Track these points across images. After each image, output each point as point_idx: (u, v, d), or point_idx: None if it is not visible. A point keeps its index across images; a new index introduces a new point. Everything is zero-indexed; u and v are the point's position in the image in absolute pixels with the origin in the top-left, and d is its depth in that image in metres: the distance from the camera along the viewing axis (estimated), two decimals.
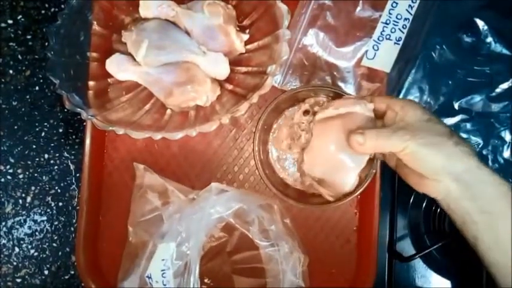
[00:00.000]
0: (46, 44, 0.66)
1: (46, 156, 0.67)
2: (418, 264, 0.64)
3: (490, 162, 0.61)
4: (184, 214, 0.54)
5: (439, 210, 0.65)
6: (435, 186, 0.45)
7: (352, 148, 0.49)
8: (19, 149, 0.67)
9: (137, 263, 0.58)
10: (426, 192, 0.47)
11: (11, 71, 0.68)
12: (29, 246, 0.66)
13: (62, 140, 0.68)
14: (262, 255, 0.59)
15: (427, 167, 0.45)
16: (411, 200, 0.65)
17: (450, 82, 0.62)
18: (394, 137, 0.45)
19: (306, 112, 0.63)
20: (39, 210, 0.66)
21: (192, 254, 0.51)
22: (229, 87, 0.62)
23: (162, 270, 0.51)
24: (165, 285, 0.52)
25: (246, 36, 0.62)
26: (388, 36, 0.62)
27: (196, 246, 0.51)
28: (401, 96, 0.62)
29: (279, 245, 0.58)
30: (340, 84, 0.63)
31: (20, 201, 0.66)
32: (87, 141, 0.62)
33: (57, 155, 0.67)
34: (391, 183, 0.64)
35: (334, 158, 0.54)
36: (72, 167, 0.67)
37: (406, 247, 0.65)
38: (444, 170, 0.44)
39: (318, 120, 0.54)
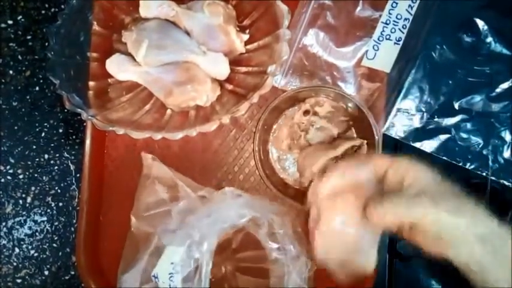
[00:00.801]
0: (46, 44, 0.66)
1: (46, 156, 0.67)
2: (419, 264, 0.64)
3: (490, 162, 0.60)
4: (197, 216, 0.53)
5: None
6: (459, 250, 0.42)
7: (372, 221, 0.45)
8: (19, 149, 0.67)
9: (140, 256, 0.57)
10: (447, 256, 0.43)
11: (11, 72, 0.68)
12: (29, 247, 0.66)
13: (62, 140, 0.68)
14: (268, 256, 0.58)
15: (452, 233, 0.42)
16: None
17: (450, 82, 0.61)
18: (414, 206, 0.43)
19: (306, 112, 0.63)
20: (40, 211, 0.66)
21: (203, 260, 0.49)
22: (230, 87, 0.62)
23: (170, 274, 0.50)
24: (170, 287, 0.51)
25: (246, 36, 0.62)
26: (388, 36, 0.62)
27: (209, 252, 0.49)
28: (401, 95, 0.62)
29: (285, 248, 0.56)
30: (341, 84, 0.63)
31: (20, 201, 0.66)
32: (87, 142, 0.62)
33: (57, 155, 0.67)
34: None
35: (350, 237, 0.48)
36: (72, 167, 0.67)
37: (408, 245, 0.65)
38: (469, 233, 0.41)
39: (325, 197, 0.48)
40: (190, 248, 0.50)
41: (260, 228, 0.57)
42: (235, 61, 0.62)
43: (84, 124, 0.63)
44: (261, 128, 0.61)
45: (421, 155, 0.62)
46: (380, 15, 0.62)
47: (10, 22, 0.69)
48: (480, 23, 0.62)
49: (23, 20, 0.69)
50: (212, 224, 0.51)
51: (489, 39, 0.61)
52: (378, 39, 0.62)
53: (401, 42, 0.62)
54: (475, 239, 0.41)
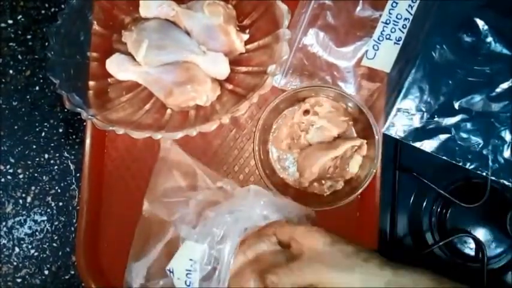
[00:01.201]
0: (46, 44, 0.66)
1: (46, 156, 0.67)
2: (419, 264, 0.64)
3: (490, 162, 0.60)
4: (218, 212, 0.51)
5: (439, 209, 0.65)
6: None
7: None
8: (19, 149, 0.67)
9: (152, 244, 0.55)
10: None
11: (11, 71, 0.68)
12: (29, 246, 0.66)
13: (62, 140, 0.68)
14: None
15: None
16: (411, 200, 0.65)
17: (450, 82, 0.61)
18: (307, 270, 0.45)
19: (306, 112, 0.63)
20: (40, 210, 0.66)
21: (224, 260, 0.47)
22: (230, 87, 0.62)
23: (188, 271, 0.48)
24: (188, 285, 0.49)
25: (246, 36, 0.62)
26: (388, 36, 0.62)
27: (231, 253, 0.47)
28: (401, 95, 0.62)
29: None
30: (341, 84, 0.63)
31: (20, 201, 0.66)
32: (87, 141, 0.62)
33: (57, 155, 0.67)
34: (391, 183, 0.64)
35: None
36: (72, 167, 0.67)
37: (407, 246, 0.65)
38: None
39: (232, 276, 0.49)
40: (210, 246, 0.48)
41: None
42: (235, 61, 0.62)
43: (84, 124, 0.63)
44: (261, 127, 0.61)
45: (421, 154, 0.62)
46: (380, 15, 0.62)
47: (10, 22, 0.69)
48: (480, 23, 0.62)
49: (23, 19, 0.69)
50: (234, 222, 0.49)
51: (489, 39, 0.61)
52: (378, 39, 0.62)
53: (401, 42, 0.62)
54: None
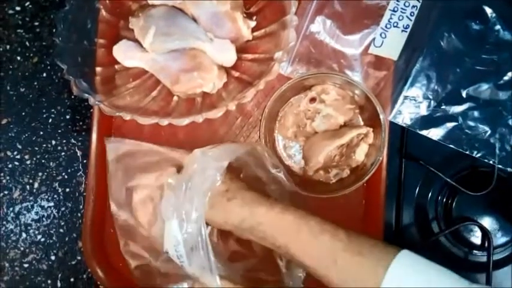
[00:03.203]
0: (53, 30, 0.66)
1: (53, 142, 0.68)
2: (424, 252, 0.64)
3: (497, 151, 0.60)
4: (177, 186, 0.53)
5: (445, 198, 0.65)
6: None
7: None
8: (26, 135, 0.67)
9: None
10: None
11: (18, 58, 0.69)
12: (36, 232, 0.66)
13: (69, 127, 0.68)
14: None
15: (217, 226, 0.54)
16: (417, 188, 0.65)
17: (458, 70, 0.61)
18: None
19: (312, 100, 0.63)
20: (46, 196, 0.67)
21: (198, 227, 0.50)
22: (236, 74, 0.62)
23: (175, 246, 0.51)
24: (179, 259, 0.52)
25: (253, 23, 0.62)
26: (395, 24, 0.61)
27: (200, 219, 0.50)
28: (408, 83, 0.61)
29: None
30: (347, 72, 0.63)
31: (28, 187, 0.67)
32: (94, 128, 0.62)
33: (64, 141, 0.68)
34: (397, 171, 0.64)
35: None
36: (79, 153, 0.67)
37: (412, 235, 0.65)
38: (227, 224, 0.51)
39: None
40: (181, 218, 0.51)
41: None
42: (241, 48, 0.62)
43: (91, 111, 0.63)
44: (267, 115, 0.61)
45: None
46: (387, 3, 0.61)
47: (18, 8, 0.69)
48: (488, 11, 0.61)
49: (30, 6, 0.69)
50: (194, 189, 0.52)
51: (497, 27, 0.61)
52: (386, 26, 0.62)
53: (408, 30, 0.61)
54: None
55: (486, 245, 0.62)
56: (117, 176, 0.60)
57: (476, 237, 0.64)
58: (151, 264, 0.57)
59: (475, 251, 0.64)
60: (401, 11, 0.61)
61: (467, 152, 0.61)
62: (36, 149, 0.67)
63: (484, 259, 0.62)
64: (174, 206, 0.51)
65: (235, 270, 0.55)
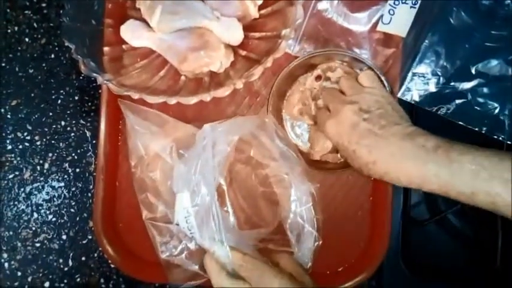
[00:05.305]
0: (61, 11, 0.67)
1: (63, 123, 0.68)
2: (433, 229, 0.64)
3: (506, 127, 0.60)
4: (188, 160, 0.54)
5: None
6: None
7: None
8: (36, 116, 0.68)
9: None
10: None
11: (26, 39, 0.69)
12: (47, 212, 0.67)
13: (78, 108, 0.68)
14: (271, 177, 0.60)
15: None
16: None
17: (467, 46, 0.61)
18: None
19: (318, 77, 0.63)
20: (57, 177, 0.68)
21: (209, 200, 0.51)
22: (243, 53, 0.62)
23: (186, 217, 0.52)
24: (190, 230, 0.53)
25: (259, 1, 0.61)
26: (404, 0, 0.61)
27: (212, 192, 0.51)
28: (417, 60, 0.61)
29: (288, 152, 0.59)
30: (356, 50, 0.63)
31: (38, 167, 0.68)
32: (103, 108, 0.62)
33: (73, 122, 0.68)
34: None
35: None
36: (88, 133, 0.68)
37: (421, 212, 0.65)
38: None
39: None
40: (191, 190, 0.52)
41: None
42: (248, 26, 0.62)
43: (100, 91, 0.63)
44: (274, 93, 0.61)
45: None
46: None
47: None
48: None
49: None
50: (205, 163, 0.53)
51: (507, 1, 0.60)
52: (394, 3, 0.61)
53: (417, 6, 0.61)
54: None
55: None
56: (134, 132, 0.61)
57: (483, 216, 0.64)
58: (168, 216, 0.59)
59: (483, 230, 0.64)
60: None
61: (476, 129, 0.60)
62: (46, 130, 0.68)
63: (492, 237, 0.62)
64: (185, 179, 0.52)
65: (246, 240, 0.55)
